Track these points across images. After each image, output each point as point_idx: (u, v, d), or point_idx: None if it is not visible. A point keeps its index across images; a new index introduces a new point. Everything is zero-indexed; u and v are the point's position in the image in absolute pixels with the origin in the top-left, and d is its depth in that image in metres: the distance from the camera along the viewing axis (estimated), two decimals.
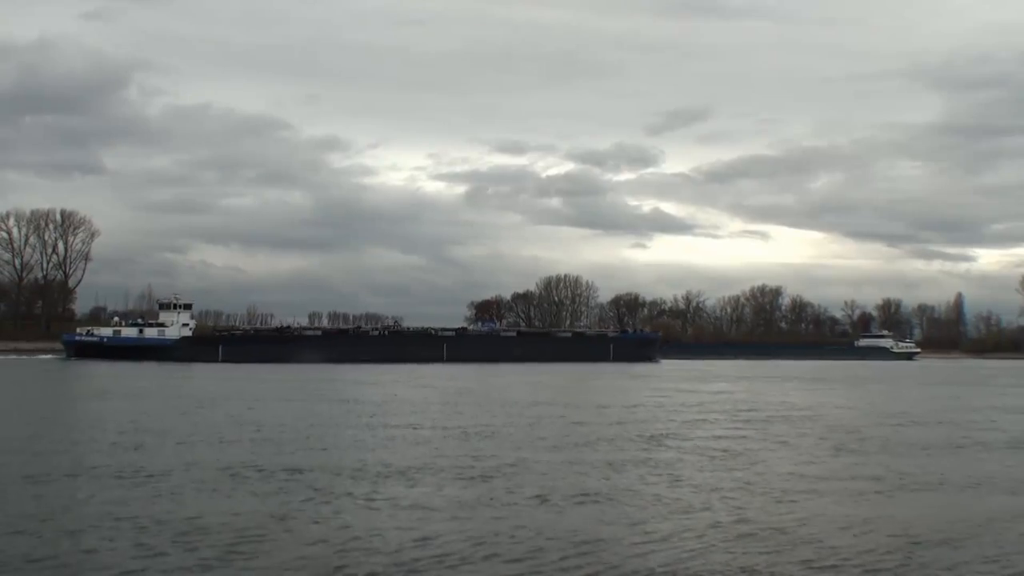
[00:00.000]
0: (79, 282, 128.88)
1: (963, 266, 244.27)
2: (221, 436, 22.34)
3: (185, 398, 36.26)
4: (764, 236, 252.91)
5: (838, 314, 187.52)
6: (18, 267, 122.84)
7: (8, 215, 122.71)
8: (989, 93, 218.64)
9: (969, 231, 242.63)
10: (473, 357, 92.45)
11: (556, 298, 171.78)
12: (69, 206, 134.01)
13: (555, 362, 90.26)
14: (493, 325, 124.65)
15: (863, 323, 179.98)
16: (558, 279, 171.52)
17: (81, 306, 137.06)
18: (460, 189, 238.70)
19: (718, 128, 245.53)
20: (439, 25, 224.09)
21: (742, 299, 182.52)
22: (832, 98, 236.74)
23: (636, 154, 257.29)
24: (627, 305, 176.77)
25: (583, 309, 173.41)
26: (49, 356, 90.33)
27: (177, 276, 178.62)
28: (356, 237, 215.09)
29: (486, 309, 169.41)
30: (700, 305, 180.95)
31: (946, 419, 31.29)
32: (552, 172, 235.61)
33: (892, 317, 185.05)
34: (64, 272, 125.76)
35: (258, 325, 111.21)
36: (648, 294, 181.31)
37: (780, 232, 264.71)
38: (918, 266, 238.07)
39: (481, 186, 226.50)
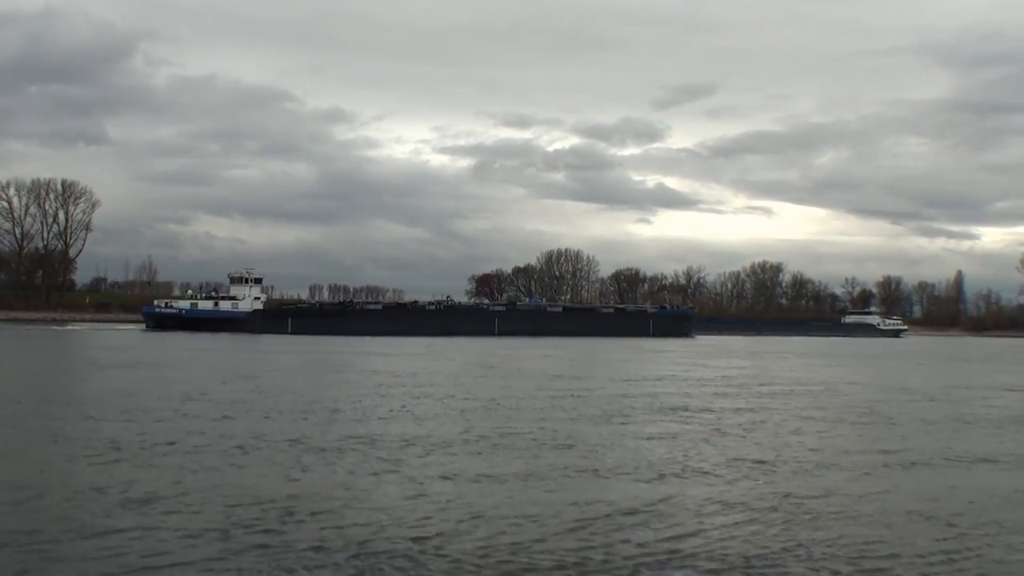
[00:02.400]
0: (79, 252, 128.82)
1: (966, 244, 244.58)
2: (289, 406, 22.22)
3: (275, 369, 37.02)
4: (768, 212, 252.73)
5: (838, 291, 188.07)
6: (18, 236, 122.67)
7: (8, 184, 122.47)
8: (998, 70, 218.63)
9: (973, 209, 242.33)
10: (522, 331, 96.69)
11: (557, 272, 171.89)
12: (73, 176, 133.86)
13: (599, 336, 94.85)
14: (539, 301, 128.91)
15: (863, 300, 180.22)
16: (559, 253, 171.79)
17: (81, 276, 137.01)
18: (464, 163, 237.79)
19: (725, 103, 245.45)
20: None
21: (742, 275, 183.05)
22: (840, 74, 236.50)
23: (642, 129, 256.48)
24: (627, 280, 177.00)
25: (583, 283, 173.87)
26: (127, 327, 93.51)
27: (180, 247, 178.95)
28: (360, 210, 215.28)
29: (486, 283, 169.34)
30: (701, 280, 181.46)
31: (963, 395, 31.20)
32: (557, 146, 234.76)
33: (892, 294, 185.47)
34: (64, 242, 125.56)
35: (324, 300, 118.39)
36: (652, 269, 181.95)
37: (784, 208, 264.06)
38: (921, 243, 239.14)
39: (488, 160, 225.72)
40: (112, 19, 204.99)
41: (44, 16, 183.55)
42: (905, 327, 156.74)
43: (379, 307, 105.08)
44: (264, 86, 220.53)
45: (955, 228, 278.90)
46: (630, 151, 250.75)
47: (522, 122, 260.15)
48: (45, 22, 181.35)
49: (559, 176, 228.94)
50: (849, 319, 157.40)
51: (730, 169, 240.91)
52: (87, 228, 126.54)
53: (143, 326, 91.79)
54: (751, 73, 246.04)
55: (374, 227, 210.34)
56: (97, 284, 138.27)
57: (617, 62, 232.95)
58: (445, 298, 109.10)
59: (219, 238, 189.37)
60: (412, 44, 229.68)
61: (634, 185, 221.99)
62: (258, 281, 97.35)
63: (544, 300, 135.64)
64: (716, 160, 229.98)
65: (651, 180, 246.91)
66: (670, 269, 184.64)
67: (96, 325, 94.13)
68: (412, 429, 18.57)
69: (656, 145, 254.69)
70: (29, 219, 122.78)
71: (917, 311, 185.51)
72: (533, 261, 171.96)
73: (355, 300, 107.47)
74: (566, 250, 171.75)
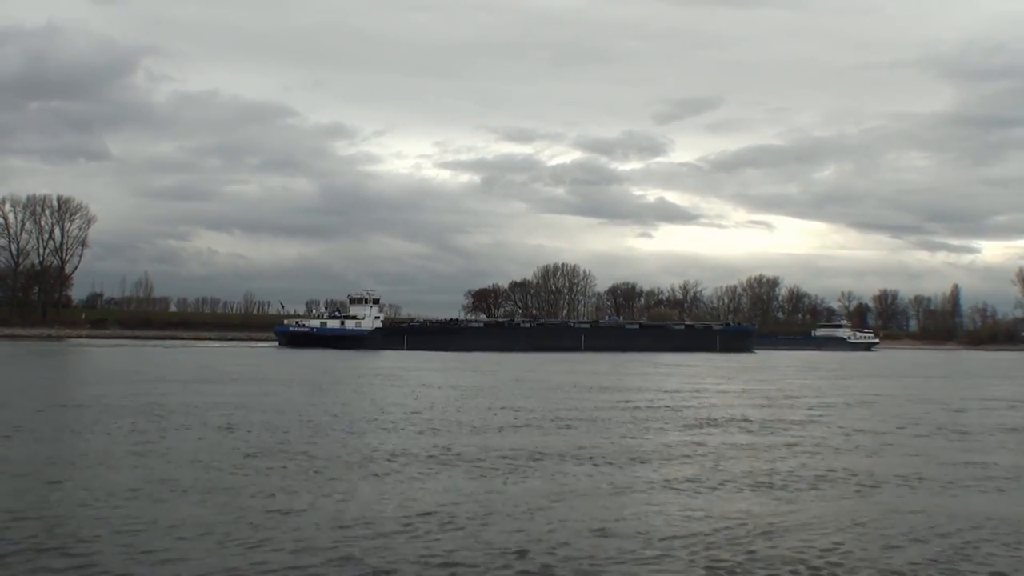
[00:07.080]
0: (75, 268, 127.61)
1: (967, 258, 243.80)
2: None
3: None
4: (768, 226, 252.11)
5: (835, 305, 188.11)
6: (14, 253, 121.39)
7: (4, 200, 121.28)
8: (1000, 84, 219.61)
9: (974, 222, 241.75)
10: (605, 347, 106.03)
11: (553, 287, 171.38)
12: (73, 192, 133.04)
13: (672, 351, 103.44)
14: (616, 319, 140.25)
15: (859, 314, 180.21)
16: (555, 268, 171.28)
17: (78, 292, 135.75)
18: (466, 177, 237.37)
19: (728, 117, 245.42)
20: (447, 12, 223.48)
21: (739, 289, 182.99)
22: (842, 87, 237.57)
23: (645, 143, 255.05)
24: (624, 294, 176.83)
25: (580, 298, 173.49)
26: (264, 344, 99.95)
27: (180, 263, 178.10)
28: (360, 225, 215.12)
29: (483, 298, 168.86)
30: (697, 295, 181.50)
31: (991, 407, 31.10)
32: (559, 161, 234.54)
33: (888, 308, 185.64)
34: (61, 258, 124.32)
35: (432, 318, 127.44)
36: (653, 284, 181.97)
37: (784, 222, 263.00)
38: (922, 257, 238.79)
39: (494, 175, 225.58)
40: (113, 35, 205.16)
41: (45, 32, 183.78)
42: (877, 340, 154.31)
43: (481, 325, 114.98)
44: (265, 101, 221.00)
45: (956, 242, 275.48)
46: (632, 165, 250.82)
47: (524, 136, 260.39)
48: (46, 38, 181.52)
49: (560, 191, 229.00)
50: (819, 332, 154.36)
51: (731, 183, 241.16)
52: (83, 244, 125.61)
53: (276, 343, 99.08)
54: (753, 87, 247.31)
55: (374, 242, 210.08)
56: (93, 300, 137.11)
57: (619, 76, 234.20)
58: (536, 317, 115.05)
59: (219, 253, 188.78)
60: (413, 59, 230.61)
61: (635, 199, 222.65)
62: (376, 301, 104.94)
63: (621, 318, 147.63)
64: (717, 174, 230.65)
65: (652, 194, 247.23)
66: (670, 284, 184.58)
67: (230, 343, 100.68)
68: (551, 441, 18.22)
69: (658, 159, 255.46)
70: (25, 235, 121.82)
71: (914, 325, 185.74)
72: (531, 276, 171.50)
73: (461, 319, 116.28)
74: (562, 265, 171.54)
